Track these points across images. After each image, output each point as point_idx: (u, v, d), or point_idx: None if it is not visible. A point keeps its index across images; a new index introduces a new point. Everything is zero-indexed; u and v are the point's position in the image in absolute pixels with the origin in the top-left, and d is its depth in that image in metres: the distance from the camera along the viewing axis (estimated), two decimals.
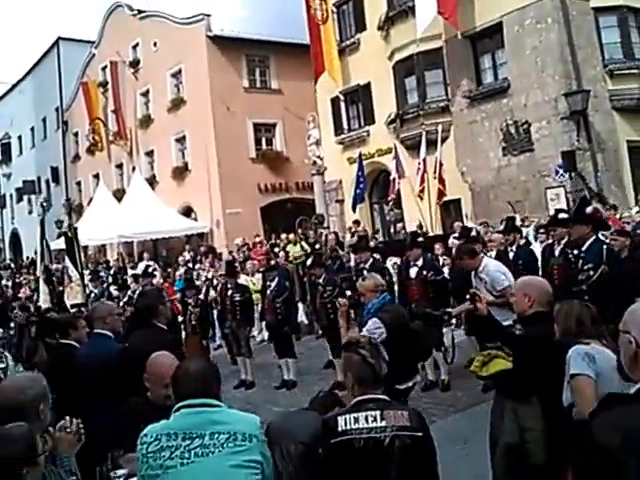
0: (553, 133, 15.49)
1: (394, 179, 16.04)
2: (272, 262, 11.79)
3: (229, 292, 9.54)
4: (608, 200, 14.08)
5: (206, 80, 23.29)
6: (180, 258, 17.18)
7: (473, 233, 10.91)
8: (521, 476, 3.70)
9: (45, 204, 9.51)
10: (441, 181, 16.21)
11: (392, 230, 17.83)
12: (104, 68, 29.54)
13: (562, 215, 12.55)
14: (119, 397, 3.56)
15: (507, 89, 16.16)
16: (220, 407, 2.59)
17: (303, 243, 13.06)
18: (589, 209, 6.59)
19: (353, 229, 14.90)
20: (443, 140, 16.87)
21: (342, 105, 20.99)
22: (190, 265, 16.49)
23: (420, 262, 7.96)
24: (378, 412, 2.61)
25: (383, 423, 2.58)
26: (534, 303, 3.50)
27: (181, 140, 25.42)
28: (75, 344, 4.71)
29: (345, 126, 20.97)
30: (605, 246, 5.54)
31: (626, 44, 15.83)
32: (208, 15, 23.64)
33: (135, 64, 27.42)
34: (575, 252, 5.60)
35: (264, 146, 24.74)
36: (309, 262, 9.90)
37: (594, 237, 5.53)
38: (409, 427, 2.59)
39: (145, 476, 2.49)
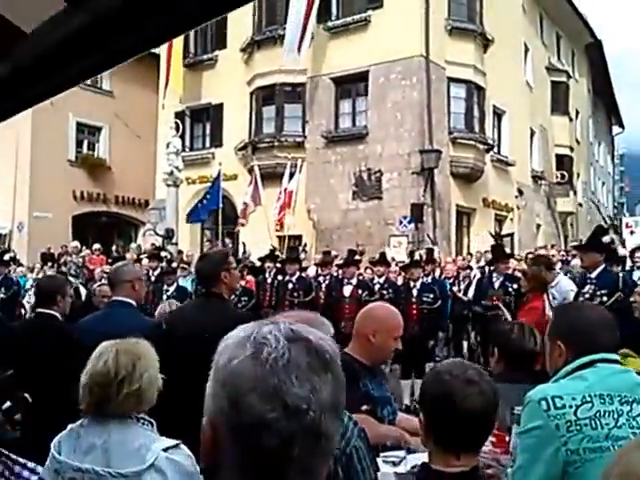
0: (402, 185, 16.23)
1: (246, 205, 15.35)
2: (171, 266, 10.30)
3: None
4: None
5: None
6: None
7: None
8: None
9: None
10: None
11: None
12: None
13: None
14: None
15: (365, 136, 16.63)
16: None
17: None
18: (606, 238, 6.91)
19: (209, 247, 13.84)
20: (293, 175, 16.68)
21: (187, 121, 19.93)
22: None
23: (354, 281, 7.94)
24: None
25: None
26: None
27: None
28: (57, 315, 3.63)
29: (187, 144, 19.89)
30: (621, 274, 5.87)
31: (468, 116, 17.37)
32: None
33: None
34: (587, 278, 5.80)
35: (85, 150, 22.47)
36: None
37: (604, 265, 5.79)
38: None
39: (581, 449, 1.87)
